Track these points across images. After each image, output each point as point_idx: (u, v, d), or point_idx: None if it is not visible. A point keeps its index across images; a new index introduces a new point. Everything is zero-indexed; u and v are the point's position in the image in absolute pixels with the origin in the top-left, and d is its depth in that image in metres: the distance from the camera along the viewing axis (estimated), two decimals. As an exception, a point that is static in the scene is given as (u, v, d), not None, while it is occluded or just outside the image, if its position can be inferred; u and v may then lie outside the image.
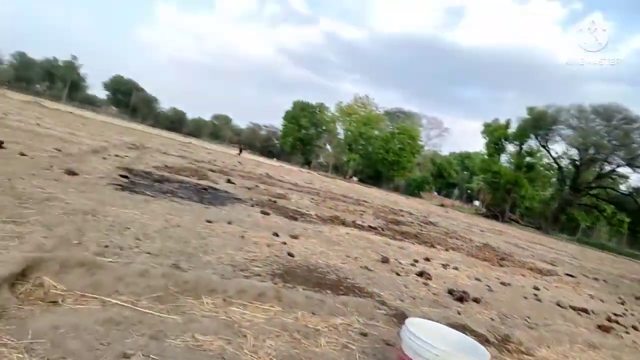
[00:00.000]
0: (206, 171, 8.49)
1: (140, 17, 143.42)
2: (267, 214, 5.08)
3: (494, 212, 41.02)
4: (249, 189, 7.41)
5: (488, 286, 4.15)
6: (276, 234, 3.88)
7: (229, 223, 3.88)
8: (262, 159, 40.99)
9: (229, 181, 7.77)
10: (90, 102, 74.87)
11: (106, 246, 2.28)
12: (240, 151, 36.85)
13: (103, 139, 10.31)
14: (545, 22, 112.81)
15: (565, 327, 3.30)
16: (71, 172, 4.52)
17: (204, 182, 6.60)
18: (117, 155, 7.26)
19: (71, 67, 71.57)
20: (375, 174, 59.75)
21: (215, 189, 6.20)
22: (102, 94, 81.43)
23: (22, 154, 4.79)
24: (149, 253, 2.37)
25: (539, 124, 40.29)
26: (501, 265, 6.04)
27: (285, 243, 3.61)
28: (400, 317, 2.34)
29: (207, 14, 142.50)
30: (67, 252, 1.96)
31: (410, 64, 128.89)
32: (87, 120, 20.63)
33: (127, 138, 13.81)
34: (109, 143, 9.45)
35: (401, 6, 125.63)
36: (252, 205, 5.53)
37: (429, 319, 2.14)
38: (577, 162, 40.74)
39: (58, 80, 68.02)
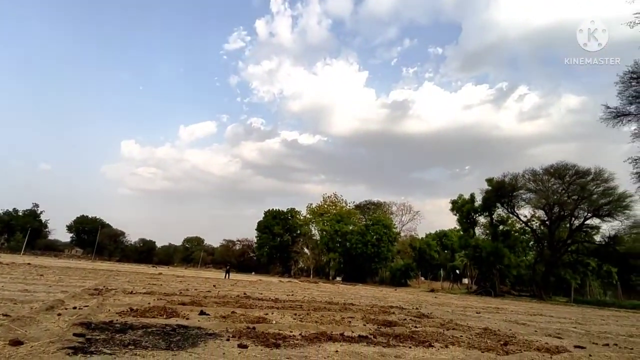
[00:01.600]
0: (176, 306, 7.83)
1: (104, 156, 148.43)
2: (245, 346, 4.57)
3: (486, 288, 40.03)
4: (224, 318, 6.81)
5: (500, 386, 3.72)
6: (256, 373, 3.41)
7: (200, 371, 3.40)
8: (239, 276, 39.34)
9: (202, 312, 7.16)
10: (52, 248, 71.93)
11: None
12: (227, 273, 34.67)
13: (61, 290, 9.53)
14: (478, 103, 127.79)
15: None
16: (16, 342, 4.01)
17: (173, 321, 6.02)
18: (74, 308, 6.62)
19: (32, 215, 70.21)
20: (357, 270, 58.30)
21: (185, 327, 5.62)
22: (66, 236, 78.92)
23: (-41, 331, 4.25)
24: None
25: (501, 192, 42.32)
26: (507, 353, 5.57)
27: (266, 384, 3.15)
28: None
29: (170, 144, 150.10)
30: None
31: (368, 157, 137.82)
32: (45, 269, 19.37)
33: (89, 282, 12.90)
34: (67, 293, 8.71)
35: (350, 109, 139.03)
36: (228, 339, 4.99)
37: None
38: (547, 222, 42.02)
39: (17, 231, 65.74)
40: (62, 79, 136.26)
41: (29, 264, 23.69)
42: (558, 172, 39.92)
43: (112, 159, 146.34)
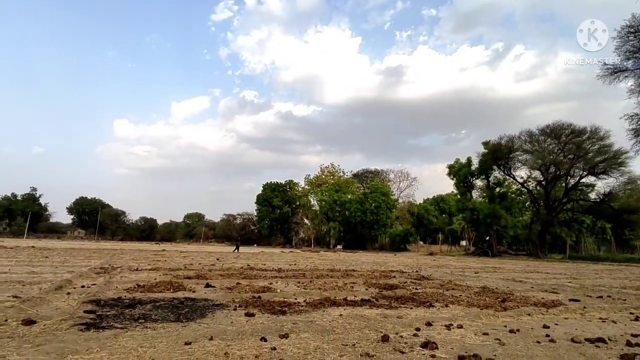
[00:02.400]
0: (182, 280, 8.01)
1: (97, 137, 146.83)
2: (252, 315, 4.71)
3: (483, 249, 40.97)
4: (229, 289, 6.98)
5: (498, 339, 3.89)
6: (264, 339, 3.55)
7: (211, 339, 3.52)
8: (242, 249, 39.89)
9: (207, 285, 7.33)
10: (55, 230, 72.44)
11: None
12: (237, 247, 33.82)
13: (67, 270, 9.69)
14: (474, 65, 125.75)
15: (590, 369, 3.06)
16: (28, 322, 4.11)
17: (180, 294, 6.17)
18: (82, 286, 6.76)
19: (31, 199, 70.28)
20: (358, 237, 59.32)
21: (192, 299, 5.78)
22: (67, 218, 79.42)
23: (-28, 314, 4.35)
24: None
25: (497, 155, 42.44)
26: (505, 309, 5.78)
27: (274, 348, 3.28)
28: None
29: (163, 121, 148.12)
30: None
31: (364, 126, 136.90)
32: (50, 251, 19.62)
33: (95, 262, 13.10)
34: (74, 273, 8.86)
35: (343, 77, 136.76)
36: (235, 309, 5.15)
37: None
38: (543, 182, 42.44)
39: (18, 216, 65.95)
40: (48, 60, 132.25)
41: (33, 246, 23.96)
42: (554, 132, 39.87)
43: (106, 139, 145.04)
